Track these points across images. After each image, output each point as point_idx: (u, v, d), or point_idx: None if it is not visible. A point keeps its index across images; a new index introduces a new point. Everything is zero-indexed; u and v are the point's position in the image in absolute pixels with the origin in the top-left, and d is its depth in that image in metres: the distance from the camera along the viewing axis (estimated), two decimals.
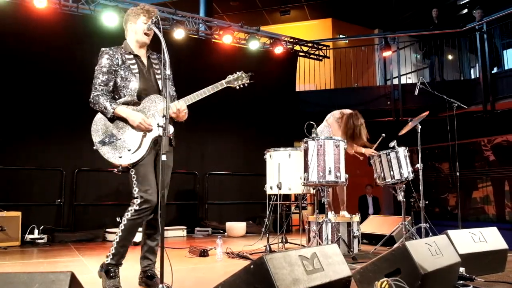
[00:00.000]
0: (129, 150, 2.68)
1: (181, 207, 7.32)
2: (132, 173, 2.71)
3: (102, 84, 2.73)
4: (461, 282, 2.69)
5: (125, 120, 2.71)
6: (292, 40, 8.77)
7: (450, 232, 3.00)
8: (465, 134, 8.01)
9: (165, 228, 5.89)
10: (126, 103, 2.74)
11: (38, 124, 6.17)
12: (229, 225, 6.81)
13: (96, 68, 2.79)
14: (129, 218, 2.69)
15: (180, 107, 2.79)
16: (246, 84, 2.98)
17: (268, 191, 4.82)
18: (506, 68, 9.01)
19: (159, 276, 2.34)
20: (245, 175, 7.83)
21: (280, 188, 4.59)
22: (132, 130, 2.72)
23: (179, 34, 7.21)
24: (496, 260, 3.20)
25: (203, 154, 7.68)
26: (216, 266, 3.95)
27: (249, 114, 8.07)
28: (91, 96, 2.72)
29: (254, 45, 8.10)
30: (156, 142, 2.76)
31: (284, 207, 5.41)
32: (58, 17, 6.45)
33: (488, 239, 3.19)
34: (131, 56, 2.84)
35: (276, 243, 4.77)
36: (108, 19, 6.61)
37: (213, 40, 7.96)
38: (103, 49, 2.83)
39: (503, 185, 9.60)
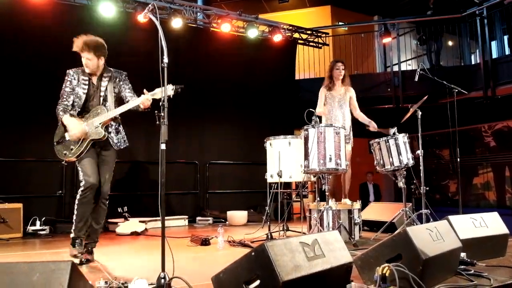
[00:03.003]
0: (71, 150, 3.47)
1: (182, 196, 7.34)
2: (78, 165, 3.49)
3: (63, 99, 3.56)
4: (462, 267, 2.69)
5: None
6: (291, 28, 8.70)
7: (451, 217, 2.99)
8: (465, 120, 7.98)
9: (166, 217, 5.91)
10: (77, 114, 3.54)
11: (37, 116, 6.13)
12: (230, 214, 6.83)
13: (63, 86, 3.59)
14: (78, 198, 3.43)
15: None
16: (171, 96, 3.14)
17: (269, 179, 4.82)
18: (507, 53, 8.95)
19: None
20: (246, 164, 7.83)
21: (280, 176, 4.59)
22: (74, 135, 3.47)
23: (177, 23, 7.15)
24: (497, 245, 3.21)
25: (203, 144, 7.67)
26: (218, 254, 3.96)
27: (248, 102, 8.04)
28: (57, 108, 3.55)
29: (252, 33, 8.04)
30: (95, 143, 3.51)
31: (285, 195, 5.41)
32: (54, 7, 6.38)
33: (489, 224, 3.19)
34: (86, 78, 3.58)
35: (277, 231, 4.78)
36: (105, 9, 6.55)
37: (212, 28, 7.89)
38: (68, 71, 3.60)
39: (504, 171, 9.60)
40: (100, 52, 3.52)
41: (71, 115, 3.51)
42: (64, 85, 3.58)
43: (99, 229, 3.60)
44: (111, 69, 3.68)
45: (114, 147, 3.59)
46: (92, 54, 3.46)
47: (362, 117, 5.28)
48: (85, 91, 3.54)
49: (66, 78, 3.58)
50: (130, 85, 3.69)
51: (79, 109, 3.55)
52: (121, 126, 3.69)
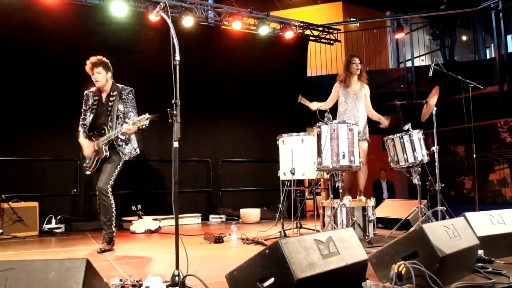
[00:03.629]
0: (88, 163, 4.15)
1: (195, 194, 7.36)
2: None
3: (81, 119, 4.18)
4: (480, 264, 2.65)
5: None
6: (302, 24, 8.65)
7: (468, 214, 2.95)
8: (480, 116, 7.86)
9: (180, 216, 5.93)
10: (89, 130, 4.12)
11: (51, 115, 6.21)
12: (243, 211, 6.82)
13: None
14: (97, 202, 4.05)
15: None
16: (147, 126, 3.66)
17: (282, 177, 4.80)
18: None
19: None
20: (258, 161, 7.82)
21: (293, 174, 4.56)
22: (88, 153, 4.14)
23: (188, 21, 7.16)
24: None
25: (216, 142, 7.68)
26: (231, 252, 3.96)
27: (260, 100, 8.02)
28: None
29: (264, 31, 8.02)
30: (99, 159, 4.03)
31: (298, 193, 5.39)
32: (66, 7, 6.44)
33: (507, 221, 3.13)
34: (96, 98, 4.10)
35: (291, 229, 4.76)
36: (117, 8, 6.59)
37: (223, 26, 7.89)
38: (85, 92, 4.20)
39: None
40: (107, 67, 4.04)
41: (85, 134, 4.13)
42: (83, 105, 4.19)
43: (106, 221, 3.97)
44: (119, 85, 4.10)
45: (121, 157, 4.02)
46: (101, 68, 3.98)
47: (373, 114, 5.22)
48: (95, 111, 4.09)
49: (84, 99, 4.18)
50: (133, 101, 4.09)
51: (92, 127, 4.12)
52: (132, 135, 4.11)
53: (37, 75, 6.19)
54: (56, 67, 6.28)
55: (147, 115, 3.55)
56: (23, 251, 4.23)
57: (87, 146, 4.08)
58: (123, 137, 4.01)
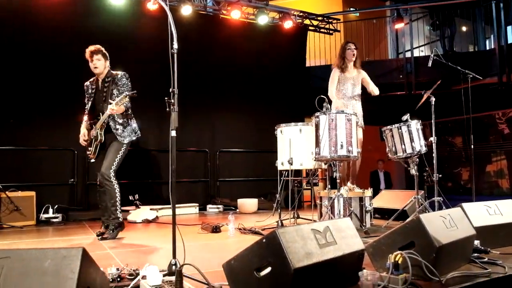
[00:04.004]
0: (89, 150, 4.22)
1: (192, 184, 7.36)
2: None
3: (86, 108, 4.29)
4: (476, 254, 2.66)
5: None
6: (301, 14, 8.58)
7: (464, 204, 2.95)
8: (479, 107, 7.84)
9: (177, 205, 5.93)
10: (92, 118, 4.21)
11: (48, 105, 6.18)
12: (240, 201, 6.83)
13: None
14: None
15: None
16: (127, 103, 3.98)
17: (280, 167, 4.80)
18: None
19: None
20: (256, 151, 7.81)
21: (291, 164, 4.56)
22: (91, 138, 4.19)
23: (186, 10, 7.09)
24: (511, 233, 3.16)
25: (214, 132, 7.67)
26: (229, 241, 3.97)
27: (259, 90, 7.99)
28: None
29: (263, 20, 7.96)
30: (102, 144, 4.10)
31: (295, 183, 5.39)
32: None
33: (503, 211, 3.13)
34: (94, 87, 4.24)
35: (288, 219, 4.77)
36: None
37: (221, 15, 7.82)
38: (85, 83, 4.31)
39: None
40: (105, 56, 4.16)
41: (86, 123, 4.27)
42: (86, 95, 4.32)
43: (111, 207, 4.02)
44: (113, 72, 4.19)
45: (121, 141, 4.06)
46: (100, 55, 4.10)
47: (373, 86, 5.21)
48: (92, 98, 4.22)
49: (85, 89, 4.31)
50: (127, 86, 4.10)
51: (92, 115, 4.22)
52: (131, 120, 4.18)
53: (33, 64, 6.13)
54: (53, 57, 6.22)
55: (125, 93, 3.79)
56: (20, 240, 4.23)
57: (82, 135, 4.24)
58: (120, 120, 4.07)
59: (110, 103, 3.85)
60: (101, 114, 4.05)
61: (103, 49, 4.17)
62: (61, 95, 6.23)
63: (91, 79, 4.30)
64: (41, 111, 6.13)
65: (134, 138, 4.20)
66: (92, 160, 4.25)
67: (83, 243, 3.97)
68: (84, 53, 4.14)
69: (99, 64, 4.11)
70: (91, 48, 4.12)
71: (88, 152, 4.24)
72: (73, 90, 6.20)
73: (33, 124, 6.08)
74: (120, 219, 4.07)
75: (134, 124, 4.21)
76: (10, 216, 5.17)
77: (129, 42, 6.57)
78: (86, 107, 4.29)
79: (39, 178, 5.99)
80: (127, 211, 5.87)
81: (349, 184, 4.94)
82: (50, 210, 5.59)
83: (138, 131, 4.24)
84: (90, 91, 4.26)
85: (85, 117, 4.29)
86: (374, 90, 5.18)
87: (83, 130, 4.27)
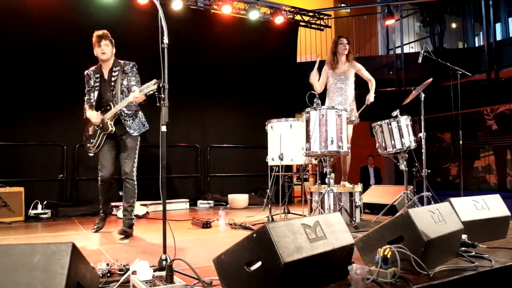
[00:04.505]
0: (92, 143, 4.01)
1: (183, 180, 7.35)
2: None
3: (86, 100, 4.03)
4: (463, 248, 2.70)
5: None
6: (292, 9, 8.57)
7: (453, 199, 2.98)
8: (468, 103, 7.93)
9: (168, 201, 5.92)
10: (95, 108, 3.95)
11: (38, 100, 6.12)
12: (231, 197, 6.84)
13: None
14: (98, 185, 4.12)
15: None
16: (154, 91, 3.25)
17: (270, 162, 4.81)
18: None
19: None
20: (247, 147, 7.81)
21: (282, 159, 4.57)
22: (95, 130, 3.97)
23: (177, 5, 7.06)
24: (498, 227, 3.21)
25: (204, 127, 7.65)
26: (219, 237, 3.97)
27: (250, 85, 7.98)
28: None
29: (254, 15, 7.94)
30: (114, 135, 3.92)
31: (286, 178, 5.41)
32: None
33: (490, 206, 3.18)
34: (98, 76, 3.95)
35: (279, 214, 4.79)
36: None
37: (212, 10, 7.78)
38: (85, 72, 4.02)
39: (505, 154, 9.59)
40: (112, 42, 3.93)
41: (92, 108, 3.97)
42: (85, 85, 4.04)
43: (128, 207, 3.93)
44: (120, 61, 3.95)
45: (130, 133, 3.87)
46: (108, 41, 3.86)
47: (371, 85, 5.25)
48: (98, 88, 3.94)
49: (85, 79, 4.02)
50: (137, 76, 3.92)
51: (97, 106, 3.97)
52: (139, 112, 4.01)
53: (23, 59, 6.06)
54: (42, 52, 6.15)
55: (154, 80, 3.46)
56: (8, 236, 4.19)
57: (95, 117, 3.89)
58: (129, 112, 3.87)
59: (127, 91, 3.71)
60: (111, 104, 3.82)
61: (108, 32, 3.94)
62: (50, 90, 6.18)
63: (93, 68, 4.01)
64: (30, 106, 6.07)
65: (143, 130, 4.00)
66: (91, 154, 4.03)
67: (73, 239, 3.94)
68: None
69: (108, 50, 3.85)
70: (99, 32, 3.86)
71: (89, 145, 3.99)
72: (63, 85, 6.20)
73: (22, 119, 6.01)
74: (134, 220, 4.03)
75: (142, 117, 4.02)
76: None
77: (119, 36, 6.44)
78: (87, 98, 4.00)
79: (28, 173, 5.93)
80: (117, 206, 5.84)
81: (343, 182, 4.96)
82: (39, 206, 5.54)
83: (147, 124, 4.05)
84: (93, 80, 3.96)
85: (87, 106, 4.00)
86: (371, 82, 5.23)
87: (94, 113, 3.91)
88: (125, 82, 3.87)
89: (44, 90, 6.14)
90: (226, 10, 7.69)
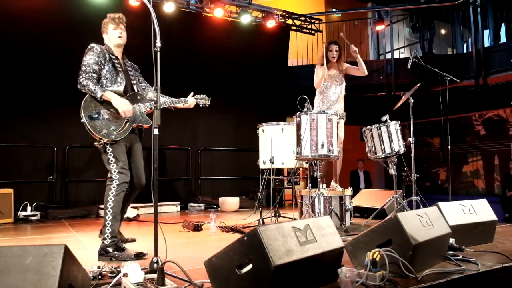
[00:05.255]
0: (113, 130, 3.03)
1: (174, 182, 7.34)
2: (109, 152, 3.06)
3: (91, 72, 3.04)
4: (451, 252, 2.74)
5: (111, 104, 3.05)
6: (284, 13, 8.63)
7: (441, 204, 3.03)
8: (456, 109, 8.05)
9: (159, 203, 5.91)
10: (114, 92, 3.09)
11: (28, 101, 6.08)
12: (222, 200, 6.84)
13: (86, 58, 3.09)
14: (114, 194, 3.01)
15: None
16: (206, 105, 3.68)
17: (261, 166, 4.83)
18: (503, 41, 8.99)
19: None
20: (238, 150, 7.83)
21: (273, 163, 4.59)
22: (117, 114, 3.06)
23: (169, 7, 7.07)
24: (485, 231, 3.26)
25: (196, 130, 7.65)
26: (210, 239, 3.98)
27: (241, 89, 8.01)
28: (80, 80, 3.02)
29: (246, 19, 7.98)
30: (133, 130, 3.16)
31: (277, 182, 5.43)
32: None
33: (477, 210, 3.23)
34: (114, 56, 3.22)
35: (269, 217, 4.81)
36: None
37: (204, 13, 7.81)
38: (92, 44, 3.15)
39: (493, 159, 9.72)
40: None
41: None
42: (87, 58, 3.08)
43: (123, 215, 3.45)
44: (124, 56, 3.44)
45: (139, 137, 3.35)
46: (124, 25, 3.31)
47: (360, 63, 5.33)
48: (120, 68, 3.22)
49: (91, 51, 3.10)
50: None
51: (116, 87, 3.15)
52: None
53: (13, 60, 6.02)
54: (33, 52, 6.11)
55: (206, 96, 3.66)
56: None
57: (126, 103, 3.07)
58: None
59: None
60: (139, 97, 3.22)
61: None
62: (41, 91, 6.14)
63: (104, 47, 3.24)
64: (20, 107, 6.03)
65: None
66: (99, 144, 3.07)
67: (63, 241, 3.93)
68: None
69: (124, 35, 3.26)
70: (116, 14, 3.29)
71: (107, 131, 3.00)
72: (54, 86, 6.16)
73: (11, 120, 5.97)
74: None
75: None
76: None
77: None
78: (92, 73, 3.04)
79: (17, 175, 5.89)
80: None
81: (332, 183, 5.00)
82: (29, 208, 5.50)
83: None
84: (105, 59, 3.14)
85: (94, 84, 3.01)
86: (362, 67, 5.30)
87: (124, 99, 3.07)
88: (141, 79, 3.45)
89: (35, 91, 6.11)
90: (218, 13, 7.72)
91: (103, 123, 3.02)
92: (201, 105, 3.54)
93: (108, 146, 3.04)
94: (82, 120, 2.99)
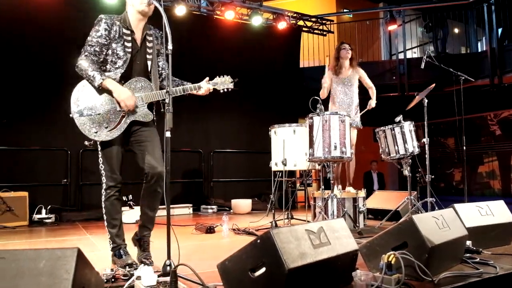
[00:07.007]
0: (106, 128, 2.69)
1: (186, 185, 7.35)
2: (101, 153, 2.82)
3: (93, 53, 2.66)
4: (468, 255, 2.69)
5: (109, 93, 2.67)
6: (295, 15, 8.61)
7: (457, 205, 2.98)
8: (471, 109, 7.93)
9: (171, 206, 5.93)
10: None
11: (42, 104, 6.14)
12: (234, 202, 6.84)
13: (91, 33, 2.69)
14: (103, 200, 2.87)
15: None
16: (230, 89, 3.17)
17: (273, 168, 4.81)
18: None
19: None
20: (250, 152, 7.82)
21: (285, 165, 4.57)
22: (113, 107, 2.70)
23: (180, 10, 7.09)
24: (502, 233, 3.19)
25: (208, 132, 7.66)
26: (223, 242, 3.97)
27: (253, 91, 7.98)
28: (79, 61, 2.66)
29: (257, 21, 7.97)
30: (132, 124, 2.77)
31: (289, 184, 5.41)
32: None
33: (495, 212, 3.17)
34: (128, 32, 2.74)
35: (282, 219, 4.78)
36: None
37: (215, 16, 7.82)
38: (102, 16, 2.73)
39: (509, 160, 9.55)
40: None
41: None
42: (94, 34, 2.68)
43: (154, 216, 3.10)
44: (150, 26, 2.90)
45: (155, 126, 2.92)
46: None
47: (373, 92, 5.35)
48: (129, 49, 2.71)
49: (98, 25, 2.69)
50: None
51: (113, 74, 2.69)
52: None
53: (26, 63, 6.09)
54: (46, 56, 6.18)
55: (230, 77, 3.13)
56: (12, 241, 4.20)
57: (129, 95, 2.65)
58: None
59: (210, 81, 3.01)
60: (143, 83, 2.74)
61: None
62: (54, 94, 6.18)
63: (116, 18, 2.74)
64: (34, 110, 6.09)
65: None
66: (89, 144, 2.79)
67: (77, 243, 3.96)
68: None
69: (153, 6, 2.73)
70: None
71: (98, 130, 2.70)
72: (65, 89, 6.20)
73: (26, 123, 6.04)
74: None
75: None
76: (2, 216, 5.13)
77: None
78: (90, 54, 2.65)
79: (32, 178, 5.95)
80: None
81: (348, 188, 4.96)
82: (43, 211, 5.56)
83: None
84: (113, 34, 2.67)
85: (96, 70, 2.62)
86: (371, 91, 5.28)
87: (126, 89, 2.65)
88: (161, 63, 2.94)
89: (48, 94, 6.16)
90: (229, 16, 7.73)
91: (95, 119, 2.67)
92: (221, 91, 3.16)
93: (98, 145, 2.78)
94: (70, 115, 2.72)
